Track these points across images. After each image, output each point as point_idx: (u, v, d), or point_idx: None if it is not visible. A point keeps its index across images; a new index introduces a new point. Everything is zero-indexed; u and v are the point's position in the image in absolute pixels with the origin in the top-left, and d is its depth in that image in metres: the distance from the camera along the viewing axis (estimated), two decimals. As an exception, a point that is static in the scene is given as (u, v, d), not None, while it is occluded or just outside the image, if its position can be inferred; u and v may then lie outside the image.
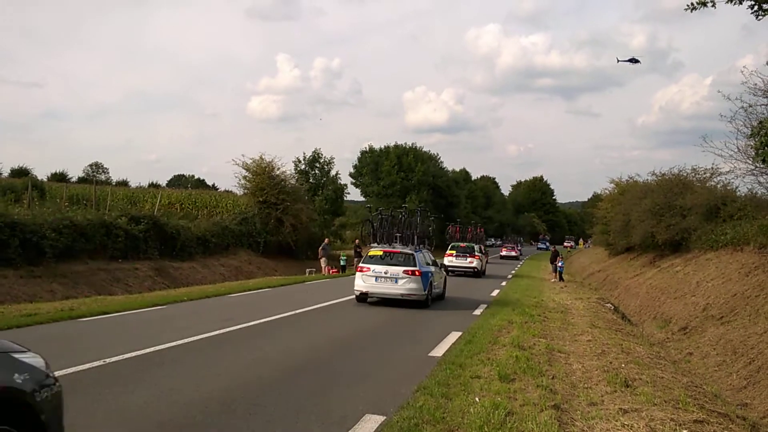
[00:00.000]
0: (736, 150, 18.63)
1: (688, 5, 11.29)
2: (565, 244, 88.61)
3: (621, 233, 31.94)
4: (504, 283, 24.24)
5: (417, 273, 14.09)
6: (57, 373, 6.47)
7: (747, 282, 14.50)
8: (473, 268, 27.43)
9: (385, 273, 14.15)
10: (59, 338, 8.92)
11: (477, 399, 6.22)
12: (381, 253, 14.76)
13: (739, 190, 21.98)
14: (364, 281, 14.33)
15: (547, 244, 78.34)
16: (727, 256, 17.66)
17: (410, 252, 14.86)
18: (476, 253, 28.09)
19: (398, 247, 15.36)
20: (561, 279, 26.83)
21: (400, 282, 14.07)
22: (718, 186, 23.35)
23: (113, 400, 5.78)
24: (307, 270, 27.83)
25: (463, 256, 27.79)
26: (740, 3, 11.20)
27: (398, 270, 14.12)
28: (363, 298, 14.59)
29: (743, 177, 19.27)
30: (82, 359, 7.19)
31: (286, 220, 32.61)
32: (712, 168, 24.42)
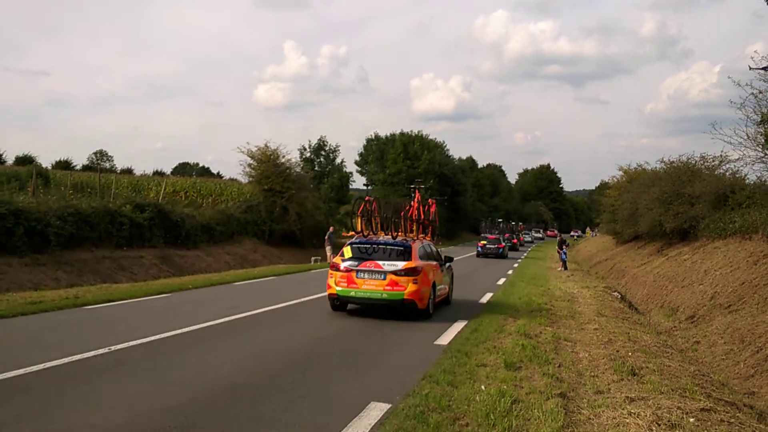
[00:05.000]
0: (745, 137, 18.43)
1: (698, -10, 11.09)
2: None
3: (628, 221, 31.72)
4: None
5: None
6: (63, 361, 6.53)
7: (755, 270, 14.39)
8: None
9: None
10: (64, 326, 8.94)
11: (483, 387, 6.18)
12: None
13: (748, 178, 21.73)
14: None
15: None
16: (735, 244, 17.52)
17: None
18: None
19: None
20: (565, 268, 26.74)
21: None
22: (727, 174, 23.08)
23: (119, 387, 5.77)
24: (313, 258, 27.84)
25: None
26: (752, -12, 10.98)
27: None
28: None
29: (752, 165, 19.06)
30: (88, 347, 7.19)
31: (291, 208, 32.58)
32: (721, 156, 24.11)
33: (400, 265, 10.79)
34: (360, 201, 12.97)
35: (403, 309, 10.88)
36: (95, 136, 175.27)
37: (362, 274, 10.82)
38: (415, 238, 12.43)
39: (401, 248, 11.19)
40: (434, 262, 12.14)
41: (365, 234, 12.14)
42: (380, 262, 10.86)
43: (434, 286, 11.61)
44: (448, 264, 13.35)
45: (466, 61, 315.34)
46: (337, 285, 10.95)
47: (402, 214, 13.23)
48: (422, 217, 14.29)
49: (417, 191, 15.14)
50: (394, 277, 10.69)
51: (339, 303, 11.30)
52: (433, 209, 15.19)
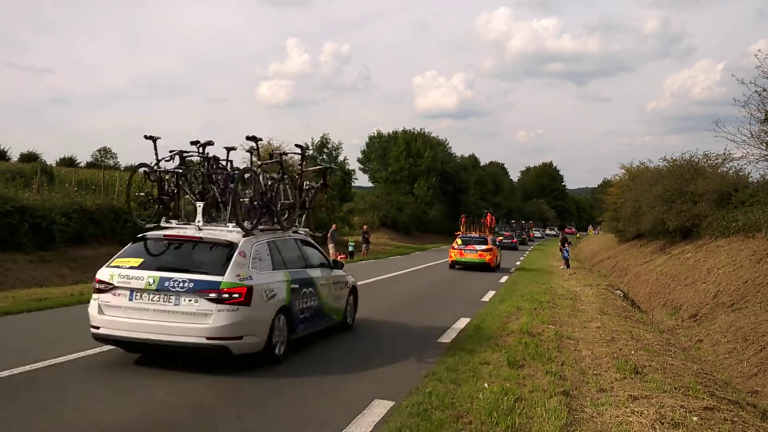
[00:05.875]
0: (748, 135, 18.44)
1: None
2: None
3: (631, 220, 31.68)
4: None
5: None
6: (68, 357, 6.59)
7: (758, 269, 14.37)
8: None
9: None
10: (70, 322, 8.97)
11: (486, 385, 6.20)
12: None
13: (751, 176, 21.74)
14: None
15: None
16: (738, 242, 17.50)
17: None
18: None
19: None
20: (567, 266, 26.70)
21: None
22: (730, 172, 23.06)
23: (124, 384, 5.82)
24: (315, 256, 27.77)
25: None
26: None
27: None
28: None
29: (756, 163, 19.09)
30: (93, 344, 7.21)
31: (294, 206, 32.53)
32: (724, 154, 24.07)
33: (483, 247, 23.07)
34: (461, 216, 29.59)
35: (485, 266, 22.61)
36: (99, 133, 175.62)
37: (466, 251, 22.99)
38: (488, 234, 26.60)
39: (483, 239, 23.93)
40: (496, 246, 24.73)
41: (465, 233, 25.93)
42: (474, 245, 23.10)
43: (497, 257, 24.20)
44: (500, 248, 26.96)
45: (469, 59, 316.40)
46: (454, 256, 23.24)
47: (481, 221, 30.34)
48: (491, 225, 30.22)
49: (489, 213, 33.02)
50: (481, 252, 22.80)
51: (455, 265, 23.16)
52: (494, 221, 31.09)
